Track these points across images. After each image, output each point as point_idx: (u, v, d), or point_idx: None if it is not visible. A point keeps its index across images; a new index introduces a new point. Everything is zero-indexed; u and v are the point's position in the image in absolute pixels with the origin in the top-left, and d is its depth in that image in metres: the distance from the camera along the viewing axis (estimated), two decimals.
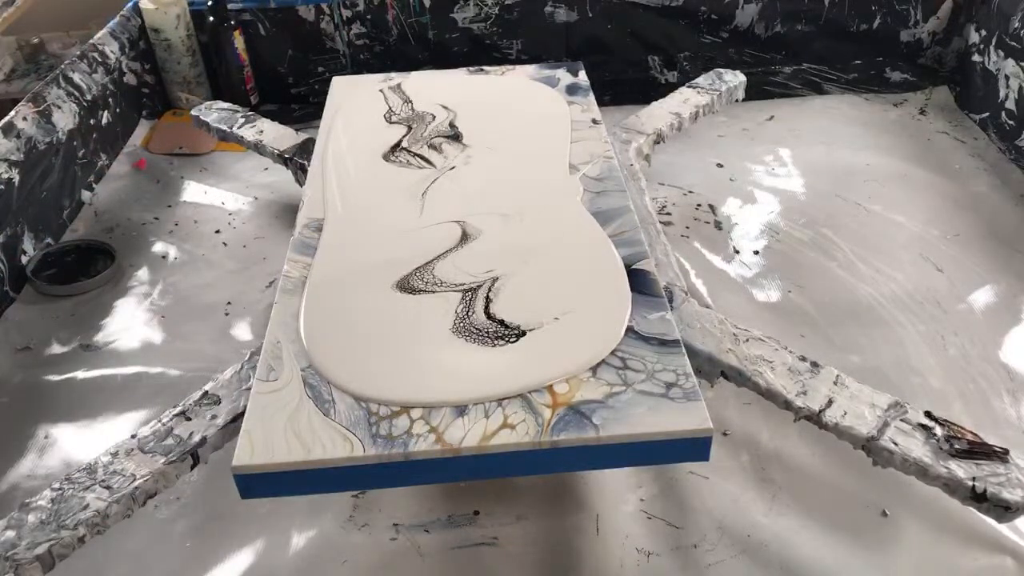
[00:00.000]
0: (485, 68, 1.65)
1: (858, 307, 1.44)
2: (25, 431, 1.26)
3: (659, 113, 1.64)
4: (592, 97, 1.52)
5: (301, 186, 1.52)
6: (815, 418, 0.99)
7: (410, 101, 1.53)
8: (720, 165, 1.87)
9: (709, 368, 1.07)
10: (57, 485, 0.93)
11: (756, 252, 1.59)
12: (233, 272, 1.59)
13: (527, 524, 1.10)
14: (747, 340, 1.07)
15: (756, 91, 2.07)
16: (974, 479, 0.91)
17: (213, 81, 2.15)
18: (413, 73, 1.66)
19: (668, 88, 1.83)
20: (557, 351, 0.94)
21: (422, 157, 1.35)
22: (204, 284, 1.56)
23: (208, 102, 1.77)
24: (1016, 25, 1.84)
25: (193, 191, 1.85)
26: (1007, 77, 1.86)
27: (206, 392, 1.02)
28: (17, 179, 1.57)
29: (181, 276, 1.59)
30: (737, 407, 1.25)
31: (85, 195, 1.81)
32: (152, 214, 1.78)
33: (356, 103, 1.55)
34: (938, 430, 0.96)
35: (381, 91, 1.58)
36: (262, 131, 1.66)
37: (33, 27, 2.46)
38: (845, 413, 0.98)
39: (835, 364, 1.07)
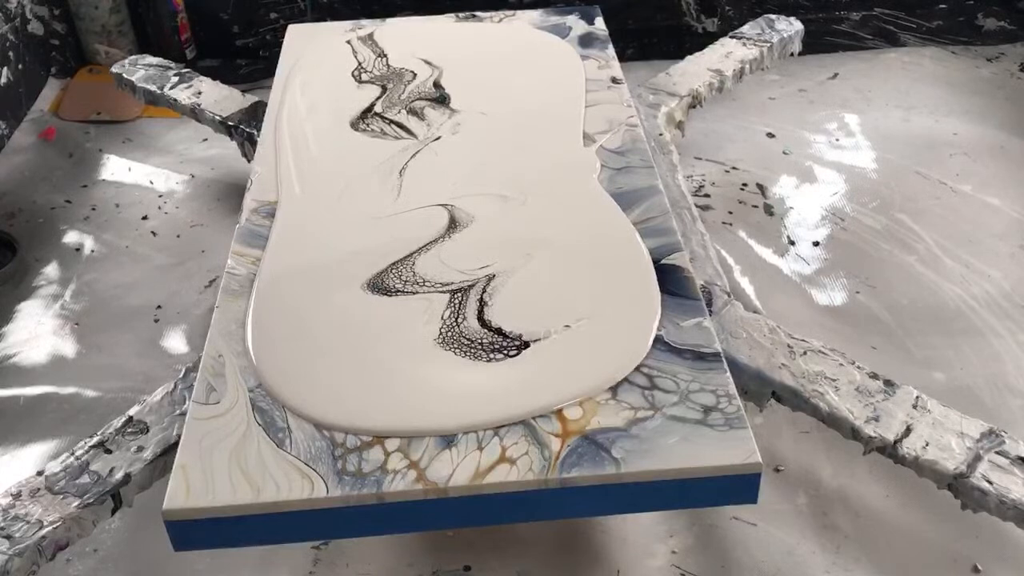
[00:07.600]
0: (478, 13, 1.65)
1: (943, 312, 1.44)
2: None
3: (695, 70, 1.64)
4: (612, 50, 1.52)
5: (249, 161, 1.52)
6: (889, 450, 0.99)
7: (385, 55, 1.53)
8: (771, 135, 1.87)
9: (758, 388, 1.07)
10: None
11: (816, 243, 1.60)
12: (164, 268, 1.60)
13: None
14: (805, 353, 1.08)
15: (816, 42, 2.07)
16: None
17: (140, 30, 2.16)
18: (389, 20, 1.66)
19: (707, 39, 1.83)
20: (568, 367, 0.94)
21: (400, 125, 1.35)
22: (128, 283, 1.57)
23: (133, 56, 1.77)
24: None
25: (114, 167, 1.85)
26: None
27: (130, 418, 1.02)
28: None
29: (100, 273, 1.59)
30: (792, 436, 1.25)
31: None
32: (63, 196, 1.78)
33: (318, 58, 1.55)
34: None
35: (349, 43, 1.58)
36: (200, 92, 1.66)
37: None
38: (927, 444, 0.98)
39: (914, 382, 1.07)
